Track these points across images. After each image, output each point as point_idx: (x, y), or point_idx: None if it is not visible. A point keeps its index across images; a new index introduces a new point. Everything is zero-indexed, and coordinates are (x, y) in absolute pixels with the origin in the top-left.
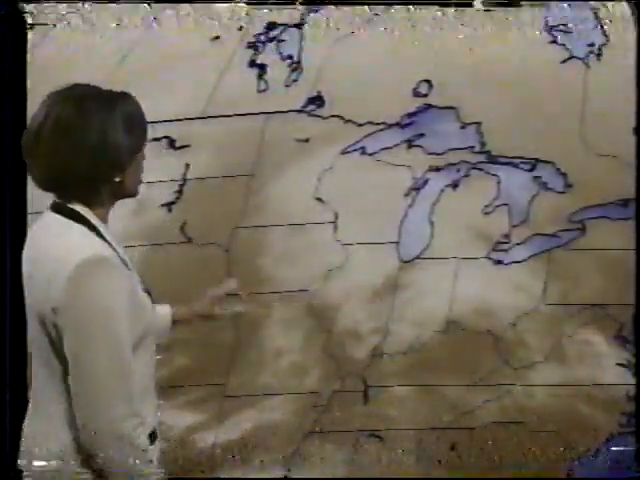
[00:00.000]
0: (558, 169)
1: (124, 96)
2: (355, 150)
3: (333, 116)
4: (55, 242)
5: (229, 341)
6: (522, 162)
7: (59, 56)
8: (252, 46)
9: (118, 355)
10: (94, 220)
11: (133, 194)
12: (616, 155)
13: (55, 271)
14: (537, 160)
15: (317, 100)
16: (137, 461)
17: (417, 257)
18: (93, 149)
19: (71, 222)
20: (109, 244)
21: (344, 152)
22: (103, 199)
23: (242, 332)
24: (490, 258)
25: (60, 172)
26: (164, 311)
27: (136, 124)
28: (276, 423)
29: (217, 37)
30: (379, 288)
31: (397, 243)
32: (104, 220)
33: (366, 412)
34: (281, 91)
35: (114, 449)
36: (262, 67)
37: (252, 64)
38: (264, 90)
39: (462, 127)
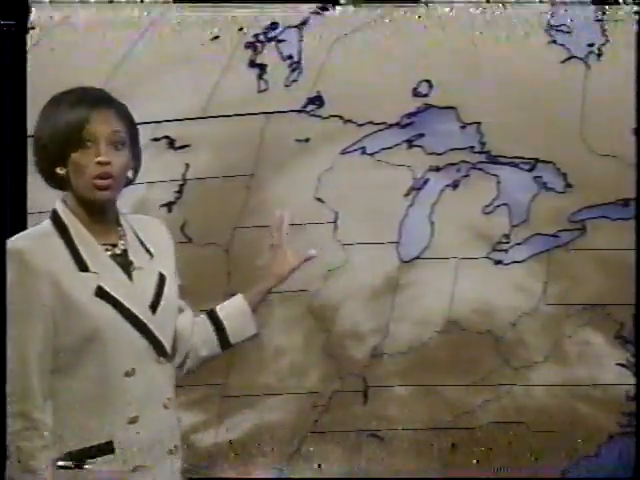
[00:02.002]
0: (558, 169)
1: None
2: (355, 150)
3: (333, 116)
4: None
5: None
6: (522, 162)
7: (59, 56)
8: (251, 46)
9: (17, 347)
10: (66, 218)
11: (86, 196)
12: (616, 155)
13: None
14: (537, 160)
15: (317, 100)
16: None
17: (417, 257)
18: (34, 139)
19: (47, 218)
20: (70, 244)
21: (344, 152)
22: (67, 196)
23: None
24: (490, 258)
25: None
26: (237, 306)
27: (68, 126)
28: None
29: (217, 37)
30: (379, 288)
31: (397, 243)
32: (92, 219)
33: (366, 412)
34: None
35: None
36: (262, 67)
37: (252, 64)
38: (264, 90)
39: (462, 127)
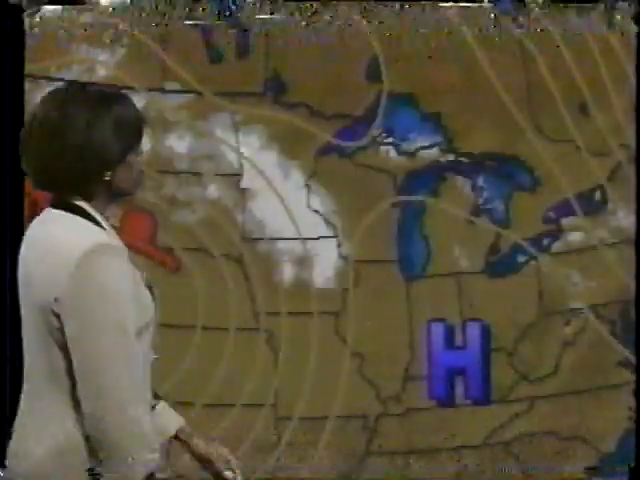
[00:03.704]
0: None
1: (117, 96)
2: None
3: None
4: (57, 234)
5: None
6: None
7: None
8: None
9: (125, 341)
10: (94, 213)
11: (128, 193)
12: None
13: (59, 261)
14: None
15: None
16: (142, 448)
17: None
18: (79, 148)
19: (72, 215)
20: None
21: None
22: (98, 196)
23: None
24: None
25: (49, 171)
26: (172, 419)
27: (127, 124)
28: None
29: None
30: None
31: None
32: (106, 218)
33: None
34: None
35: (122, 435)
36: None
37: None
38: None
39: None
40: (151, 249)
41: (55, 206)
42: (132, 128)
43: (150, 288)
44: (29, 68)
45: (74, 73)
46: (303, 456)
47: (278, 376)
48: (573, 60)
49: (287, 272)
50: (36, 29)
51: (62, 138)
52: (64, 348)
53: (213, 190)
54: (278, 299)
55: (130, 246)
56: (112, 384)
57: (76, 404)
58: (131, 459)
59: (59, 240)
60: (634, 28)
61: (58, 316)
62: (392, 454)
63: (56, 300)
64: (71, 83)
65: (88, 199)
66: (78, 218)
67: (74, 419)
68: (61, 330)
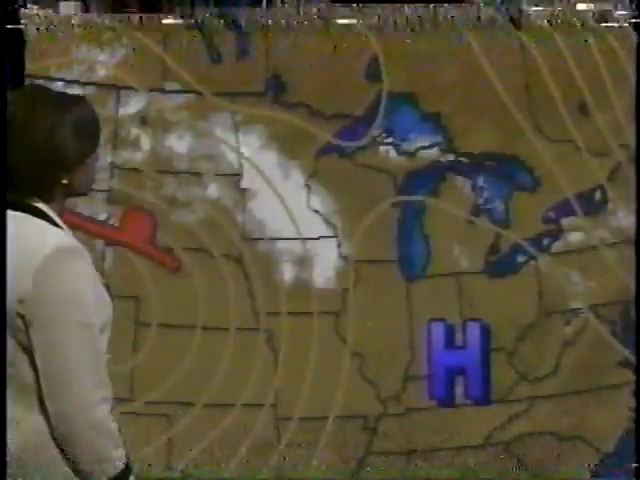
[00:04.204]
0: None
1: (78, 100)
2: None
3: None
4: (20, 236)
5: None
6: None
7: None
8: None
9: (90, 340)
10: (52, 214)
11: (83, 194)
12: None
13: (23, 264)
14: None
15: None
16: (109, 447)
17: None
18: (40, 150)
19: (32, 217)
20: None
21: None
22: (55, 198)
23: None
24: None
25: (11, 171)
26: None
27: (87, 129)
28: None
29: None
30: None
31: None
32: (60, 216)
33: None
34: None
35: (88, 436)
36: None
37: None
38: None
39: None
40: (151, 249)
41: (14, 208)
42: (92, 132)
43: (107, 288)
44: (29, 68)
45: (74, 73)
46: (303, 456)
47: (278, 376)
48: (573, 60)
49: (287, 272)
50: (36, 29)
51: (25, 139)
52: (29, 351)
53: (213, 190)
54: (278, 299)
55: (130, 246)
56: (78, 384)
57: (43, 405)
58: (101, 457)
59: (22, 243)
60: (634, 28)
61: (23, 317)
62: (392, 454)
63: (21, 302)
64: (34, 84)
65: (46, 200)
66: (38, 220)
67: (42, 419)
68: (26, 332)
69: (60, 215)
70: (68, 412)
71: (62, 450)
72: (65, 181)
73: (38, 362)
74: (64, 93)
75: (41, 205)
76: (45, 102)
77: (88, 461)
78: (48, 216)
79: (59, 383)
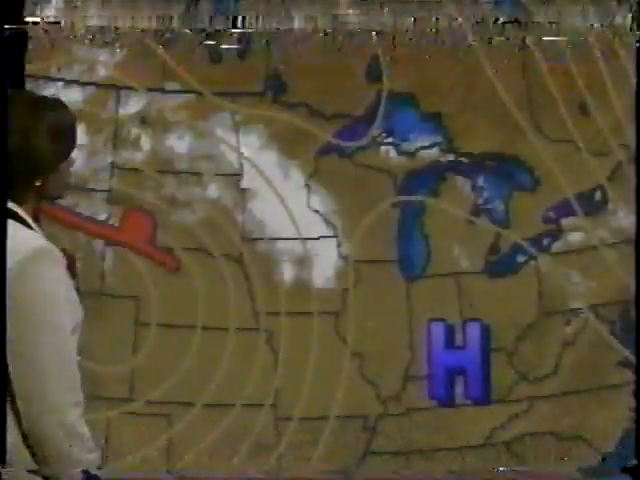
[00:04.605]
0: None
1: (55, 104)
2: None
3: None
4: None
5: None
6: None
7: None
8: None
9: (62, 343)
10: (26, 217)
11: (56, 198)
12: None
13: None
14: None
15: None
16: (80, 450)
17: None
18: (13, 153)
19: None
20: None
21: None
22: (27, 199)
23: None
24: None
25: None
26: None
27: (62, 133)
28: None
29: None
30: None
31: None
32: (34, 218)
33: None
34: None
35: (59, 438)
36: None
37: None
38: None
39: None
40: (151, 249)
41: None
42: (67, 136)
43: (78, 290)
44: (29, 68)
45: (74, 73)
46: (303, 456)
47: (278, 376)
48: (573, 60)
49: (287, 272)
50: (36, 29)
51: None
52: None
53: (213, 190)
54: (278, 299)
55: (130, 246)
56: (50, 386)
57: (14, 403)
58: (69, 461)
59: None
60: (634, 28)
61: None
62: (392, 454)
63: None
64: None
65: (19, 203)
66: (12, 222)
67: (14, 418)
68: None
69: (33, 217)
70: (37, 413)
71: (33, 454)
72: (38, 183)
73: (10, 364)
74: (42, 96)
75: (14, 206)
76: (20, 105)
77: (56, 463)
78: (21, 217)
79: (31, 384)
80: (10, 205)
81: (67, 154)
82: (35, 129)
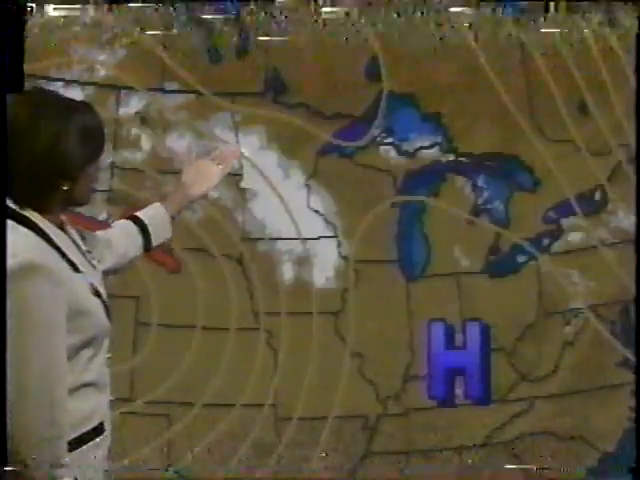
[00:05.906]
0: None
1: (84, 107)
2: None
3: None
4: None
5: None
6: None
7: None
8: None
9: (43, 360)
10: (43, 225)
11: (83, 203)
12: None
13: None
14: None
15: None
16: (53, 469)
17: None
18: (41, 156)
19: (18, 226)
20: (57, 249)
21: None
22: (52, 205)
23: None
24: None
25: (11, 175)
26: (158, 213)
27: (91, 136)
28: None
29: None
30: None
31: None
32: (60, 225)
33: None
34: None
35: (28, 454)
36: None
37: None
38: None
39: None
40: None
41: (10, 215)
42: (96, 140)
43: (99, 296)
44: (29, 68)
45: (74, 73)
46: (303, 456)
47: (278, 376)
48: (573, 60)
49: (287, 272)
50: (36, 29)
51: (27, 144)
52: None
53: (213, 190)
54: (278, 299)
55: None
56: (22, 406)
57: None
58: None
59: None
60: (634, 28)
61: None
62: (392, 454)
63: None
64: (39, 89)
65: (41, 208)
66: (23, 231)
67: None
68: None
69: (60, 225)
70: (11, 430)
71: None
72: (65, 187)
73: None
74: (68, 98)
75: (30, 213)
76: (49, 107)
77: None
78: (36, 225)
79: (9, 400)
80: (28, 213)
81: (96, 157)
82: (66, 132)
